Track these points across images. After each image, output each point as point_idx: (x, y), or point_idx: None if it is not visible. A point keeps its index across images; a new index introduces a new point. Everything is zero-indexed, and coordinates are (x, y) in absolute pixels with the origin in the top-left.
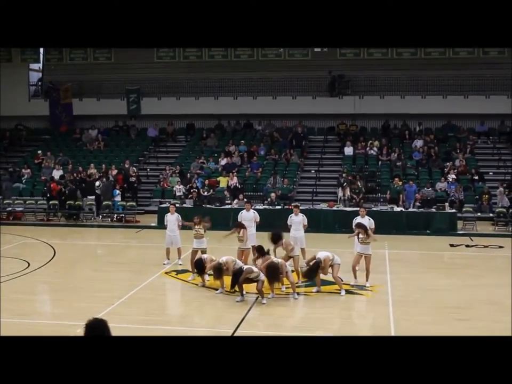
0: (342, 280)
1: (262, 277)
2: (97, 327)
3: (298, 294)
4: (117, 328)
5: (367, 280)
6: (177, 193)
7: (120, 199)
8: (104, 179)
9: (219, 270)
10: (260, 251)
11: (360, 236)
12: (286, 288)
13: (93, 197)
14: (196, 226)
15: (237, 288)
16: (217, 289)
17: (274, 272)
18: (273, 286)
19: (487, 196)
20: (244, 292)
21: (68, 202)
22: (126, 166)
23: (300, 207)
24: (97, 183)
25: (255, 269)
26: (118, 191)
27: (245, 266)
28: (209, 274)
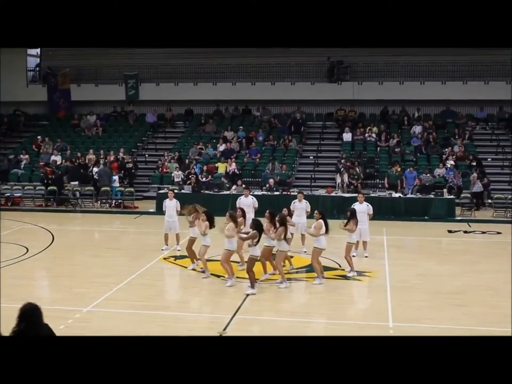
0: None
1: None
2: (31, 313)
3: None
4: (115, 314)
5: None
6: (176, 179)
7: (118, 185)
8: (102, 165)
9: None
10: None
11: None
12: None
13: (76, 183)
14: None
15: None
16: (219, 276)
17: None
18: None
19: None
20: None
21: (49, 188)
22: (121, 154)
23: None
24: (94, 169)
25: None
26: (115, 177)
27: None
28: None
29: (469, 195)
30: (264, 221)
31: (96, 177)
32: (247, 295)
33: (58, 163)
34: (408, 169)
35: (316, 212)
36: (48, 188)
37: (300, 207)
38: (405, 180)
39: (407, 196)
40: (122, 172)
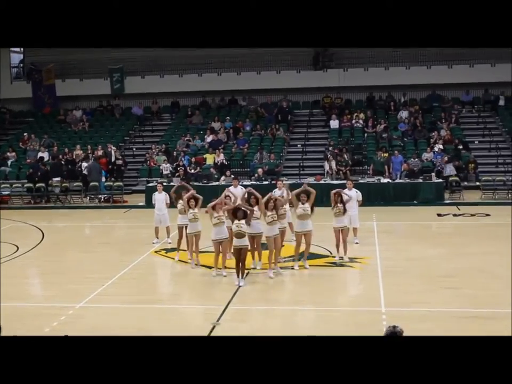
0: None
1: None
2: None
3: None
4: (109, 309)
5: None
6: (164, 172)
7: (104, 180)
8: (91, 160)
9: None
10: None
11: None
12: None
13: (59, 178)
14: (180, 201)
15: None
16: (210, 267)
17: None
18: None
19: (473, 165)
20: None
21: (38, 184)
22: (109, 150)
23: (285, 182)
24: (84, 164)
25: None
26: (103, 175)
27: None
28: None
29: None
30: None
31: (85, 173)
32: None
33: (45, 159)
34: (393, 154)
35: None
36: (36, 185)
37: (280, 195)
38: (392, 164)
39: (396, 181)
40: (110, 167)
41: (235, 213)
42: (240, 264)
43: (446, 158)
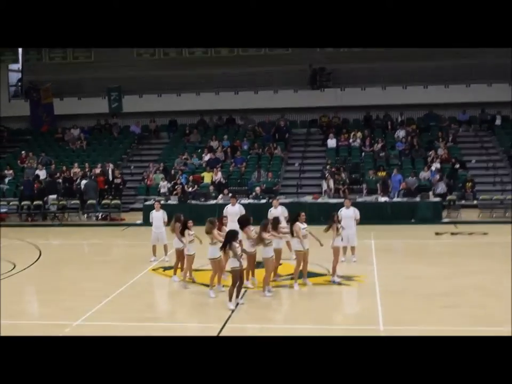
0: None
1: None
2: None
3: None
4: (106, 326)
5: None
6: (162, 190)
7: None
8: (88, 178)
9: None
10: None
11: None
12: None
13: (55, 196)
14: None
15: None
16: (207, 285)
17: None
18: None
19: (470, 184)
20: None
21: (35, 202)
22: (107, 168)
23: (283, 200)
24: (83, 181)
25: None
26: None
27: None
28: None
29: (453, 197)
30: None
31: (83, 190)
32: (237, 304)
33: (42, 177)
34: (393, 173)
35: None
36: (34, 203)
37: (276, 214)
38: (391, 183)
39: (393, 199)
40: (107, 186)
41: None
42: (238, 285)
43: (437, 177)
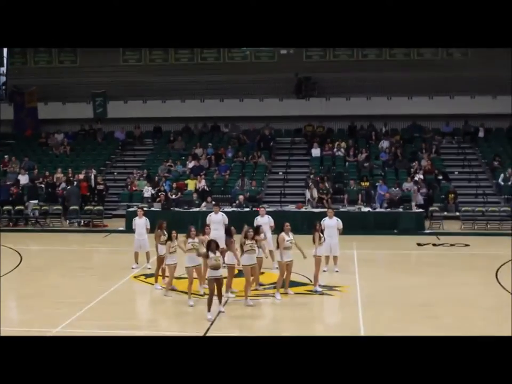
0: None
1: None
2: None
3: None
4: (86, 334)
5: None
6: (146, 194)
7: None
8: (70, 184)
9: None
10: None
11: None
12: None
13: (36, 201)
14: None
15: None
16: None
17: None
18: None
19: (453, 195)
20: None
21: (16, 207)
22: (90, 174)
23: (267, 209)
24: (65, 186)
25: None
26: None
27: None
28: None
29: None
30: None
31: (65, 196)
32: (220, 311)
33: (24, 182)
34: (379, 183)
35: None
36: (16, 208)
37: (263, 222)
38: (377, 193)
39: (376, 210)
40: (89, 193)
41: (209, 245)
42: (217, 294)
43: (416, 188)
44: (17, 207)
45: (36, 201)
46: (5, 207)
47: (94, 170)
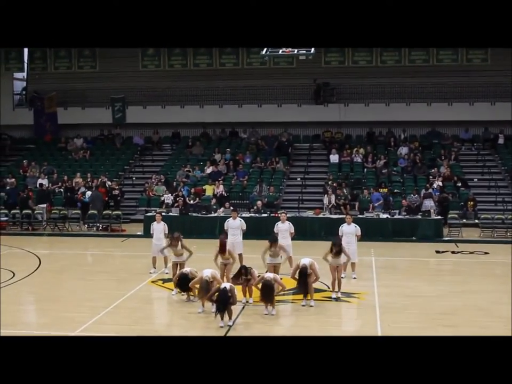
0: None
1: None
2: None
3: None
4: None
5: (338, 290)
6: (166, 201)
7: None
8: (89, 189)
9: (206, 286)
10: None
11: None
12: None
13: (44, 205)
14: (174, 248)
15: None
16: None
17: (269, 292)
18: (267, 304)
19: (472, 203)
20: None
21: (24, 211)
22: (103, 180)
23: (287, 215)
24: (88, 193)
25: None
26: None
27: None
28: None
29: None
30: None
31: (87, 200)
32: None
33: (45, 186)
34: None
35: None
36: (23, 212)
37: (284, 228)
38: (372, 201)
39: (394, 216)
40: (106, 198)
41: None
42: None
43: (423, 192)
44: (24, 211)
45: (45, 205)
46: (12, 211)
47: (106, 178)
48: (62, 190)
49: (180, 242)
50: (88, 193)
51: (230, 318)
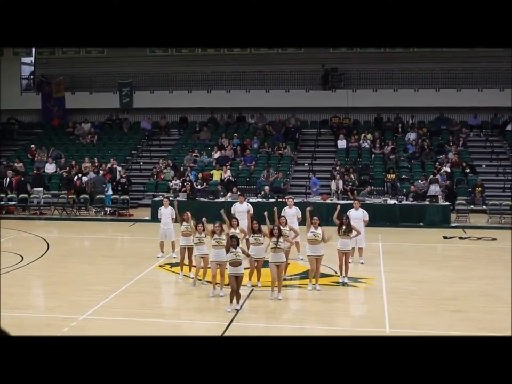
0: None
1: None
2: None
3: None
4: (111, 321)
5: (346, 275)
6: (174, 186)
7: (111, 193)
8: (96, 173)
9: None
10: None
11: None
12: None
13: (41, 189)
14: (185, 223)
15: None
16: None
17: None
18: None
19: (480, 189)
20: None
21: (21, 195)
22: (114, 166)
23: (294, 200)
24: (84, 178)
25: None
26: (108, 185)
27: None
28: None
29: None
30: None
31: (90, 184)
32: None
33: (52, 171)
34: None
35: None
36: (20, 196)
37: (291, 213)
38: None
39: (402, 202)
40: (114, 183)
41: (232, 241)
42: (236, 291)
43: (430, 177)
44: (20, 195)
45: (41, 189)
46: (9, 195)
47: (116, 165)
48: (67, 174)
49: (191, 222)
50: (84, 178)
51: (238, 302)
